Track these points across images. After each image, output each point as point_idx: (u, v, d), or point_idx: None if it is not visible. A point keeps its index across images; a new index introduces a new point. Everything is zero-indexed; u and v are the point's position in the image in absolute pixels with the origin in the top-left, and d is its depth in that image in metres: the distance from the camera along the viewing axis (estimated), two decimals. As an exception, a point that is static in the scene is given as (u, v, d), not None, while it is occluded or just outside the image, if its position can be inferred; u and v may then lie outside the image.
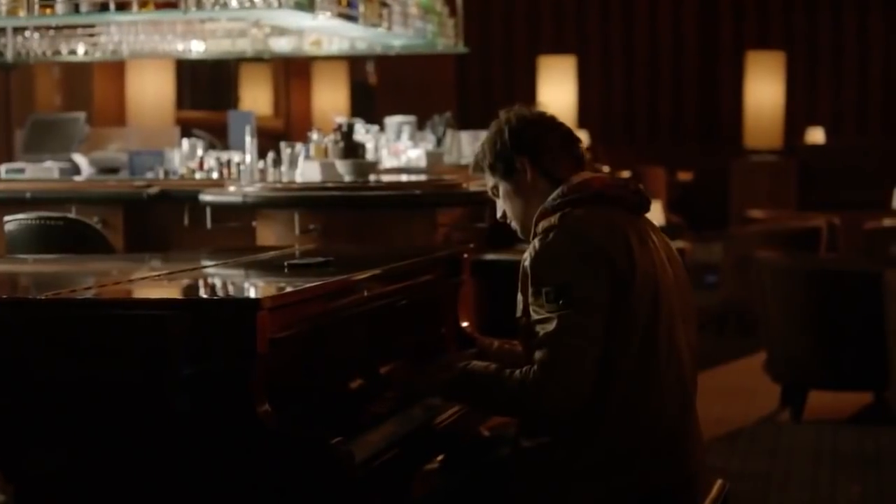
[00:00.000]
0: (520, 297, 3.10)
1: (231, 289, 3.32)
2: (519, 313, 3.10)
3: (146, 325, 2.71)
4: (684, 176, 14.96)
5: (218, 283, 3.36)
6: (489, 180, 3.25)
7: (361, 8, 6.41)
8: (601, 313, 2.95)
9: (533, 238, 3.10)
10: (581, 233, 3.00)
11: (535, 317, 3.00)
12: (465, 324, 3.91)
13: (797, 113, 14.96)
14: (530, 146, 3.17)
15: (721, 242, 10.69)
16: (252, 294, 3.14)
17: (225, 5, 5.62)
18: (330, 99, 14.15)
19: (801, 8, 15.46)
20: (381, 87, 15.08)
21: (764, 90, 14.52)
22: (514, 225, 3.26)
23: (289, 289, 3.00)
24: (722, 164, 14.52)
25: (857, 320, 6.66)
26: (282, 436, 2.65)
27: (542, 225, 3.08)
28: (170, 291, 3.26)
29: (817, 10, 15.45)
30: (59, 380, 2.74)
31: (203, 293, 3.20)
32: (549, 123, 3.21)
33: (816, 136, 14.67)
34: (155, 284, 3.29)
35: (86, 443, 2.72)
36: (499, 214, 3.29)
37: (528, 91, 15.21)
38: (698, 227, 13.06)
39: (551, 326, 2.94)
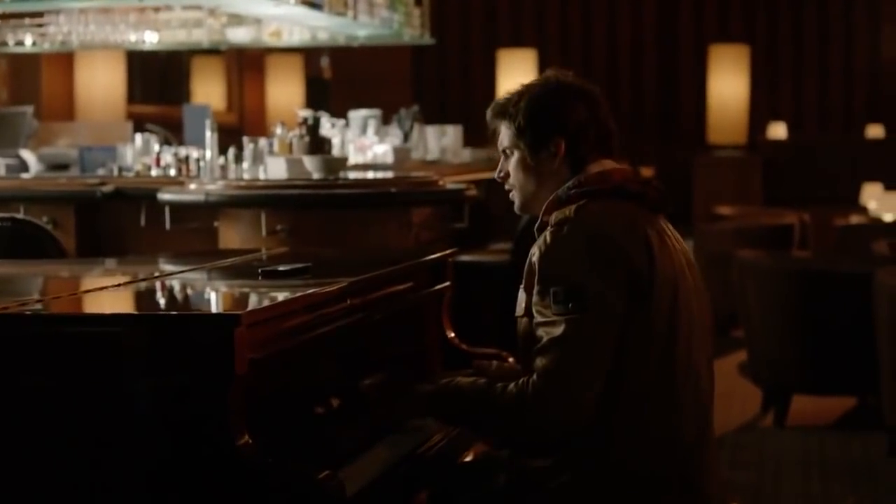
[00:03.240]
0: (522, 294, 2.79)
1: (203, 301, 2.97)
2: (520, 312, 2.80)
3: (106, 345, 2.38)
4: (646, 172, 14.72)
5: (186, 293, 3.02)
6: (505, 137, 2.88)
7: (326, -5, 6.10)
8: (615, 320, 2.64)
9: (540, 230, 2.78)
10: (599, 229, 2.69)
11: (538, 318, 2.69)
12: (450, 334, 3.61)
13: (759, 108, 14.77)
14: (575, 129, 2.81)
15: (690, 240, 10.44)
16: (229, 307, 2.80)
17: (184, -10, 5.30)
18: (285, 93, 13.83)
19: (762, 2, 15.27)
20: (335, 81, 14.77)
21: (727, 84, 14.31)
22: (515, 196, 2.91)
23: (269, 301, 2.67)
24: (684, 160, 14.29)
25: (844, 322, 6.41)
26: (264, 471, 2.32)
27: (556, 216, 2.75)
28: (134, 304, 2.91)
29: (777, 5, 15.26)
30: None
31: (172, 306, 2.86)
32: (600, 109, 2.86)
33: (778, 131, 14.50)
34: (117, 296, 2.95)
35: (36, 484, 2.38)
36: (499, 174, 2.93)
37: (487, 85, 14.94)
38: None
39: (558, 331, 2.63)
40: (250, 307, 2.58)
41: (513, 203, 2.95)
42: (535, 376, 2.64)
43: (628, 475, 2.69)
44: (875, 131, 14.36)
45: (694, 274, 2.84)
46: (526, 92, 2.85)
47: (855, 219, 10.64)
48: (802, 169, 13.54)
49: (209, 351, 2.35)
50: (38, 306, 2.75)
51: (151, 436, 2.35)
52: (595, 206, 2.74)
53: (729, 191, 13.36)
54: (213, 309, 2.81)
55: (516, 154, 2.86)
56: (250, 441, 2.34)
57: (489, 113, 2.92)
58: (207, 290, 3.11)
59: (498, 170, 2.93)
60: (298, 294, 2.70)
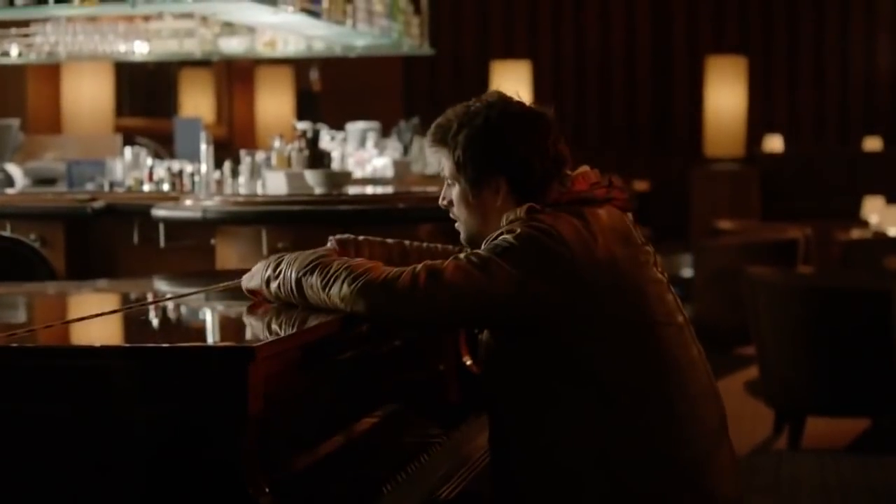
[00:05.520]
0: None
1: (210, 331, 2.72)
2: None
3: (100, 382, 2.13)
4: (641, 186, 14.52)
5: (190, 322, 2.77)
6: (445, 166, 2.70)
7: (325, 4, 5.86)
8: (519, 300, 2.50)
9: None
10: (546, 226, 2.55)
11: None
12: (467, 360, 3.38)
13: (755, 120, 14.59)
14: (517, 166, 2.64)
15: (689, 254, 10.25)
16: (241, 339, 2.54)
17: (179, -2, 5.07)
18: (275, 105, 13.63)
19: (757, 13, 15.10)
20: (324, 93, 14.56)
21: (724, 96, 14.13)
22: (460, 228, 2.75)
23: (284, 331, 2.42)
24: (678, 173, 14.11)
25: (860, 341, 6.20)
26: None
27: (506, 217, 2.63)
28: (132, 335, 2.65)
29: (773, 15, 15.10)
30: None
31: (175, 338, 2.61)
32: (546, 140, 2.67)
33: (774, 143, 14.34)
34: (112, 325, 2.69)
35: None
36: (443, 201, 2.76)
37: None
38: (657, 238, 12.62)
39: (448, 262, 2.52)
40: (265, 339, 2.33)
41: None
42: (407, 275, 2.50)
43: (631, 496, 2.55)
44: (872, 143, 14.21)
45: (661, 272, 2.72)
46: (467, 122, 2.66)
47: (857, 233, 10.49)
48: (801, 182, 13.39)
49: (219, 389, 2.11)
50: (28, 336, 2.50)
51: (152, 485, 2.11)
52: (548, 211, 2.60)
53: (726, 204, 13.19)
54: (224, 341, 2.56)
55: (458, 187, 2.69)
56: (267, 491, 2.10)
57: (429, 136, 2.75)
58: (213, 317, 2.86)
59: (441, 196, 2.76)
60: (315, 322, 2.46)
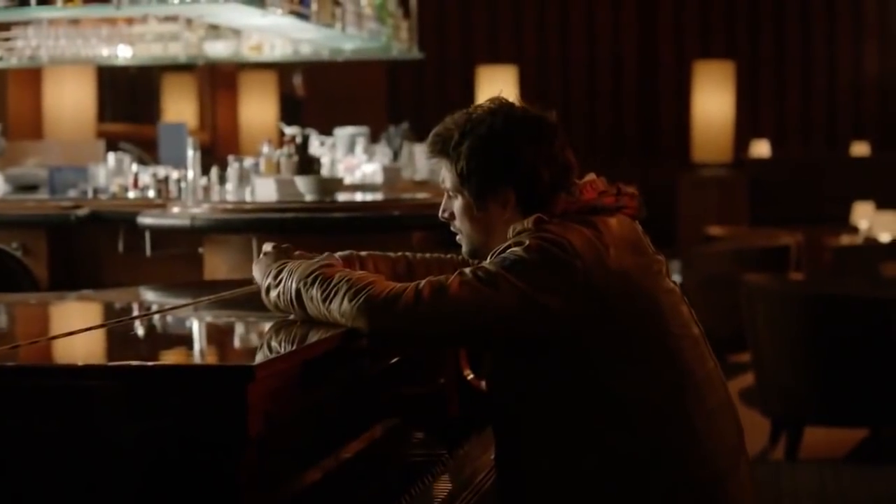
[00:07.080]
0: None
1: (205, 348, 2.58)
2: None
3: (86, 403, 2.00)
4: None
5: (183, 338, 2.64)
6: (447, 178, 2.57)
7: (314, 6, 5.74)
8: (530, 315, 2.39)
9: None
10: (557, 236, 2.44)
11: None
12: (468, 374, 3.26)
13: (743, 125, 14.52)
14: (524, 176, 2.52)
15: (678, 261, 10.15)
16: (238, 358, 2.41)
17: (164, 0, 4.93)
18: (258, 111, 13.50)
19: (744, 18, 15.04)
20: (308, 99, 14.44)
21: (712, 101, 14.05)
22: (462, 241, 2.63)
23: (284, 348, 2.29)
24: (666, 179, 14.03)
25: (861, 349, 6.11)
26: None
27: (513, 229, 2.51)
28: (121, 352, 2.51)
29: (760, 21, 15.04)
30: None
31: (167, 355, 2.47)
32: (553, 146, 2.55)
33: (762, 148, 14.28)
34: (99, 341, 2.55)
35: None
36: (443, 213, 2.64)
37: (465, 102, 14.50)
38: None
39: (454, 278, 2.40)
40: (264, 357, 2.20)
41: None
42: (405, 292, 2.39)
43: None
44: (860, 148, 14.17)
45: (673, 284, 2.66)
46: (469, 131, 2.53)
47: (846, 239, 10.43)
48: (789, 187, 13.34)
49: (217, 410, 1.98)
50: (12, 353, 2.36)
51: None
52: (556, 221, 2.49)
53: (714, 210, 13.12)
54: (221, 358, 2.43)
55: (460, 199, 2.57)
56: (269, 518, 1.98)
57: (428, 147, 2.62)
58: (207, 332, 2.73)
59: (442, 208, 2.64)
60: (315, 337, 2.33)
